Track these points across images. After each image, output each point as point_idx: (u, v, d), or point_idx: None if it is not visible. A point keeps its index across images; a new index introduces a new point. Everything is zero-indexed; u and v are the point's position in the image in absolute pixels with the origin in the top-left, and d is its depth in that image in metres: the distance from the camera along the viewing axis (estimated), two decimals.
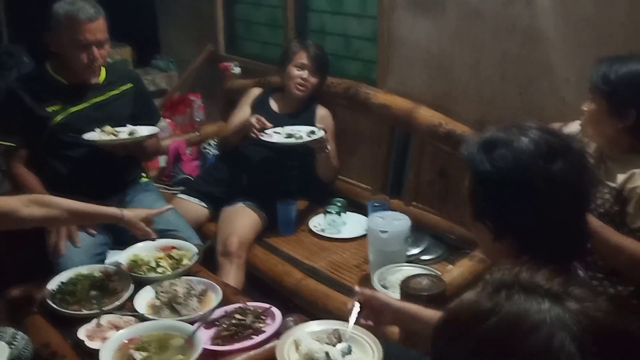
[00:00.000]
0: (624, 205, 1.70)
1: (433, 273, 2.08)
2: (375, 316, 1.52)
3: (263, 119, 2.67)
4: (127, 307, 1.87)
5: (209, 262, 2.36)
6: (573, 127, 1.98)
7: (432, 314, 1.41)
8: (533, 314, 0.62)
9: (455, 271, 2.13)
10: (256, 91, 3.07)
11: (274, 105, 2.96)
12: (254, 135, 2.67)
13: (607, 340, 0.61)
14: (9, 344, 1.64)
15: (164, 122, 3.44)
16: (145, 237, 2.08)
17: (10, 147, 2.40)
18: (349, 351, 1.53)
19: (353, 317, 1.52)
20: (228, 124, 3.01)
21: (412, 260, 2.34)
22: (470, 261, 2.14)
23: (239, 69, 3.65)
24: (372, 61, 3.11)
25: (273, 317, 1.81)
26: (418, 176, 2.81)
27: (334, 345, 1.56)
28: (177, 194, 2.98)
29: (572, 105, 2.28)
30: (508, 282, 0.67)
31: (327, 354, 1.51)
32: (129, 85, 2.56)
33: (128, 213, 2.04)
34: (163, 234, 2.33)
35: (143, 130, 2.44)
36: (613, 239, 1.63)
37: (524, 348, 0.61)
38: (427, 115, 2.70)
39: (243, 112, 2.93)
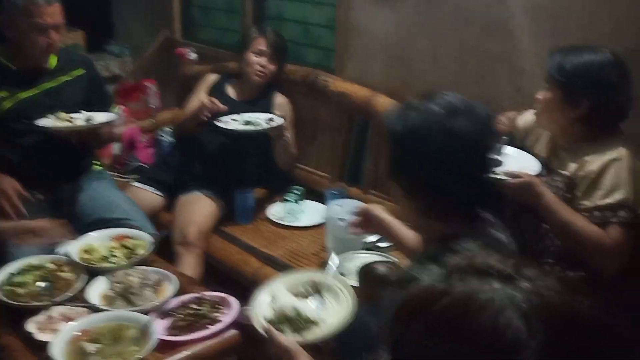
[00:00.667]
0: (576, 192, 1.74)
1: (390, 260, 2.09)
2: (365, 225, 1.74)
3: (217, 101, 2.63)
4: (80, 298, 1.82)
5: (165, 251, 2.32)
6: (527, 117, 2.01)
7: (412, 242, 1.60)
8: (482, 294, 0.64)
9: None
10: (213, 77, 3.01)
11: (231, 92, 2.91)
12: (205, 118, 2.63)
13: (556, 320, 0.62)
14: None
15: (118, 109, 3.35)
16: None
17: None
18: (322, 304, 1.57)
19: (332, 268, 1.59)
20: (184, 110, 2.95)
21: (370, 247, 2.35)
22: None
23: (196, 55, 3.58)
24: (330, 49, 3.09)
25: (230, 306, 1.78)
26: (376, 164, 2.81)
27: (307, 297, 1.63)
28: (131, 182, 2.92)
29: (528, 95, 2.31)
30: (462, 266, 0.69)
31: (297, 310, 1.56)
32: (81, 71, 2.49)
33: None
34: (117, 223, 2.28)
35: (100, 117, 2.38)
36: (563, 213, 1.68)
37: (473, 327, 0.62)
38: (385, 103, 2.70)
39: (199, 98, 2.88)
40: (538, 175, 1.76)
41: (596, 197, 1.69)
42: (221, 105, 2.63)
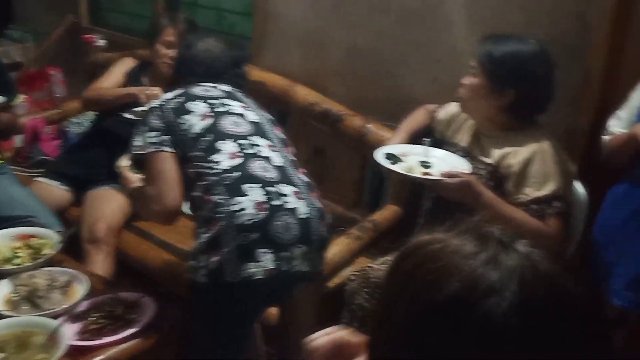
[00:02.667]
0: (500, 182, 1.77)
1: None
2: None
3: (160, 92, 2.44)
4: None
5: (73, 250, 2.19)
6: (449, 108, 2.03)
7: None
8: (471, 246, 0.67)
9: (332, 249, 2.13)
10: (130, 62, 2.85)
11: (146, 81, 2.78)
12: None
13: (537, 289, 0.64)
14: None
15: (20, 98, 3.15)
16: None
17: None
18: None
19: None
20: (96, 85, 2.77)
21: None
22: (347, 239, 2.16)
23: (104, 41, 3.42)
24: (246, 37, 3.03)
25: (146, 306, 1.71)
26: (295, 155, 2.78)
27: None
28: (35, 176, 2.74)
29: (443, 85, 2.36)
30: (466, 227, 0.71)
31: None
32: None
33: None
34: (20, 221, 2.13)
35: None
36: (503, 209, 1.71)
37: (453, 270, 0.65)
38: (303, 93, 2.68)
39: (116, 79, 2.73)
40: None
41: (529, 190, 1.72)
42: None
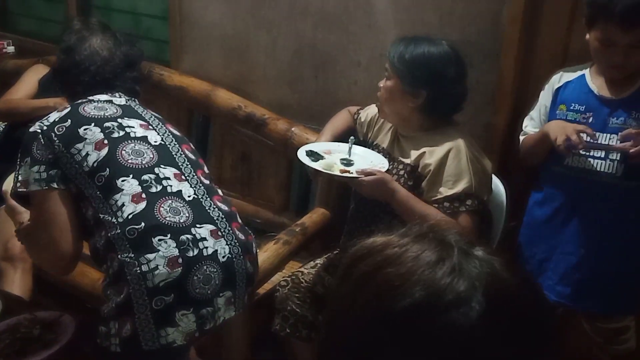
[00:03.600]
0: (418, 181, 1.80)
1: None
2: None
3: None
4: None
5: None
6: (369, 110, 2.05)
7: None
8: (435, 252, 0.65)
9: (261, 255, 2.11)
10: (42, 68, 2.75)
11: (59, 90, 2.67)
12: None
13: (501, 296, 0.63)
14: None
15: None
16: None
17: None
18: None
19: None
20: (9, 97, 2.64)
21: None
22: (275, 245, 2.14)
23: (13, 47, 3.25)
24: (164, 41, 2.96)
25: (65, 326, 1.62)
26: (220, 160, 2.74)
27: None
28: None
29: (363, 88, 2.38)
30: (422, 231, 0.69)
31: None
32: None
33: None
34: None
35: None
36: (416, 207, 1.74)
37: (417, 277, 0.63)
38: (225, 98, 2.64)
39: (29, 88, 2.61)
40: (387, 171, 1.80)
41: (443, 189, 1.75)
42: None
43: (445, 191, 1.74)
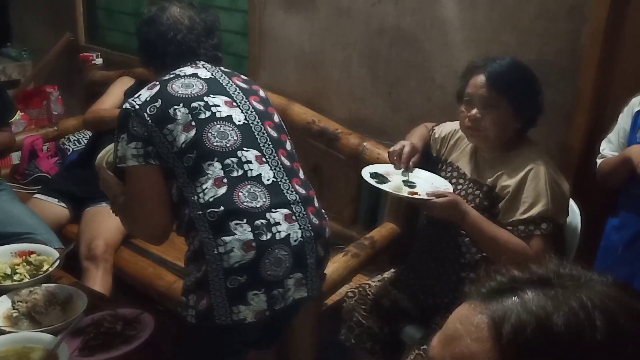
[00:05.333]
0: (494, 202, 1.79)
1: None
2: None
3: None
4: None
5: (72, 267, 2.20)
6: (446, 127, 2.05)
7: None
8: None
9: (330, 267, 2.15)
10: (128, 80, 2.90)
11: None
12: None
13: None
14: None
15: (18, 116, 3.17)
16: None
17: None
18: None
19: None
20: (96, 107, 2.80)
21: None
22: (344, 257, 2.17)
23: (101, 60, 3.45)
24: (243, 56, 3.07)
25: (146, 323, 1.71)
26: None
27: None
28: (33, 193, 2.75)
29: (437, 104, 2.40)
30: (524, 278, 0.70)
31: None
32: None
33: None
34: (19, 237, 2.14)
35: None
36: (487, 229, 1.73)
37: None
38: (300, 112, 2.71)
39: (115, 99, 2.77)
40: (458, 191, 1.82)
41: (519, 211, 1.73)
42: None
43: (521, 214, 1.73)
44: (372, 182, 1.85)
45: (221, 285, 1.51)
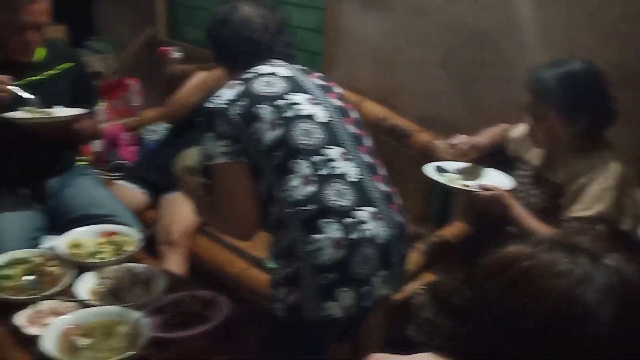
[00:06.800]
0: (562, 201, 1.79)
1: None
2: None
3: None
4: (68, 293, 1.80)
5: (149, 251, 2.30)
6: (521, 128, 2.04)
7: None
8: (563, 263, 0.67)
9: None
10: (203, 74, 3.00)
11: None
12: None
13: (632, 301, 0.64)
14: None
15: (101, 105, 3.32)
16: None
17: None
18: None
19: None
20: (176, 98, 2.92)
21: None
22: (414, 253, 2.18)
23: (180, 54, 3.56)
24: (317, 53, 3.11)
25: (220, 306, 1.78)
26: (372, 148, 2.83)
27: None
28: (113, 179, 2.89)
29: (514, 104, 2.37)
30: (552, 239, 0.72)
31: None
32: (69, 65, 2.45)
33: None
34: (102, 219, 2.25)
35: (66, 111, 2.31)
36: (529, 223, 1.78)
37: (547, 292, 0.65)
38: (372, 108, 2.74)
39: (198, 96, 2.87)
40: (512, 190, 1.86)
41: (577, 208, 1.73)
42: None
43: (578, 211, 1.71)
44: (430, 172, 1.90)
45: (312, 282, 1.54)
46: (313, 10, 3.14)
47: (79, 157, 2.59)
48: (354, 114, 1.78)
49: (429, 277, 2.21)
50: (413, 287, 2.14)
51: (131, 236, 2.10)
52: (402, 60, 2.73)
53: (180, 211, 2.59)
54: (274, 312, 1.61)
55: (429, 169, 1.96)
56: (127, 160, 3.15)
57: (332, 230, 1.54)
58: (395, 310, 2.12)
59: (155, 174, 2.80)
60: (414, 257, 2.17)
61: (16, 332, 1.63)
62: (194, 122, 2.74)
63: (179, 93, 2.91)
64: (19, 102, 2.17)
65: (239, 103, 1.59)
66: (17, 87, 2.12)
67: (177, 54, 3.57)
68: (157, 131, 3.29)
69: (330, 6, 2.93)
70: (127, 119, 3.45)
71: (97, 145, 3.24)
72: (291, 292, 1.57)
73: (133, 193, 2.74)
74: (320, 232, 1.54)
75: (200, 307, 1.76)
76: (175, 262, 2.42)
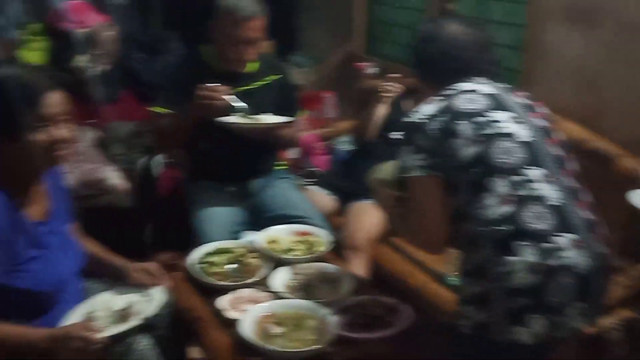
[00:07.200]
0: None
1: None
2: None
3: None
4: (264, 284, 1.95)
5: (335, 254, 2.40)
6: None
7: None
8: None
9: None
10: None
11: (406, 107, 2.96)
12: None
13: None
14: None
15: (303, 116, 3.53)
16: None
17: (161, 114, 2.49)
18: None
19: None
20: (368, 118, 3.03)
21: None
22: (612, 286, 2.04)
23: (375, 69, 3.68)
24: (514, 70, 3.04)
25: (403, 313, 1.81)
26: (575, 172, 2.70)
27: None
28: (306, 185, 3.06)
29: None
30: None
31: None
32: (276, 76, 2.65)
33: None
34: (296, 220, 2.41)
35: (273, 119, 2.48)
36: None
37: None
38: (572, 130, 2.60)
39: (382, 110, 2.96)
40: None
41: None
42: None
43: None
44: (635, 201, 1.74)
45: (502, 304, 1.50)
46: (513, 27, 3.07)
47: (278, 162, 2.79)
48: (559, 135, 1.71)
49: (626, 313, 2.05)
50: (608, 322, 2.00)
51: (322, 237, 2.22)
52: (608, 79, 2.57)
53: (365, 219, 2.68)
54: (459, 329, 1.59)
55: (635, 197, 1.80)
56: (319, 168, 3.32)
57: (527, 254, 1.49)
58: (586, 344, 2.00)
59: (345, 182, 2.92)
60: (613, 290, 2.03)
61: (218, 314, 1.81)
62: (384, 136, 2.84)
63: (367, 110, 2.99)
64: (232, 109, 2.40)
65: (438, 118, 1.60)
66: (232, 97, 2.34)
67: (372, 70, 3.69)
68: (348, 142, 3.42)
69: (532, 23, 2.85)
70: (321, 129, 3.64)
71: (293, 152, 3.46)
72: (479, 311, 1.54)
73: (324, 198, 2.88)
74: (514, 254, 1.49)
75: (383, 311, 1.81)
76: (358, 267, 2.50)
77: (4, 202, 1.58)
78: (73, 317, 1.68)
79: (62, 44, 3.51)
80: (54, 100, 1.60)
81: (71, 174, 2.99)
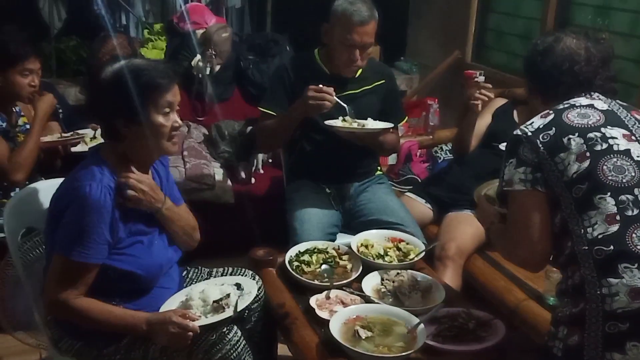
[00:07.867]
0: None
1: None
2: None
3: None
4: (354, 287, 1.96)
5: (427, 263, 2.38)
6: None
7: None
8: None
9: None
10: (499, 101, 3.00)
11: (517, 117, 2.87)
12: None
13: None
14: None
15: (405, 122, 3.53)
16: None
17: (268, 114, 2.56)
18: None
19: None
20: (467, 129, 2.97)
21: None
22: None
23: (483, 77, 3.60)
24: (633, 84, 2.88)
25: (496, 329, 1.76)
26: None
27: None
28: (404, 192, 3.04)
29: None
30: None
31: None
32: (381, 82, 2.66)
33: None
34: (391, 226, 2.40)
35: (376, 124, 2.48)
36: None
37: None
38: None
39: (484, 120, 2.89)
40: None
41: None
42: None
43: None
44: None
45: (598, 328, 1.44)
46: (634, 39, 2.91)
47: (377, 167, 2.79)
48: None
49: None
50: None
51: (416, 245, 2.20)
52: None
53: (460, 229, 2.62)
54: (550, 350, 1.53)
55: None
56: (417, 175, 3.29)
57: (631, 277, 1.41)
58: None
59: (443, 191, 2.87)
60: None
61: (308, 312, 1.83)
62: (486, 147, 2.77)
63: (470, 129, 2.92)
64: (337, 111, 2.43)
65: (547, 132, 1.56)
66: (338, 99, 2.38)
67: (480, 78, 3.61)
68: (449, 150, 3.37)
69: None
70: (422, 136, 3.61)
71: (392, 158, 3.46)
72: (573, 333, 1.47)
73: (420, 206, 2.85)
74: (616, 277, 1.42)
75: (475, 325, 1.77)
76: (448, 277, 2.45)
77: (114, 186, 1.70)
78: (171, 303, 1.77)
79: (181, 43, 3.72)
80: (177, 90, 1.77)
81: (179, 167, 3.16)
